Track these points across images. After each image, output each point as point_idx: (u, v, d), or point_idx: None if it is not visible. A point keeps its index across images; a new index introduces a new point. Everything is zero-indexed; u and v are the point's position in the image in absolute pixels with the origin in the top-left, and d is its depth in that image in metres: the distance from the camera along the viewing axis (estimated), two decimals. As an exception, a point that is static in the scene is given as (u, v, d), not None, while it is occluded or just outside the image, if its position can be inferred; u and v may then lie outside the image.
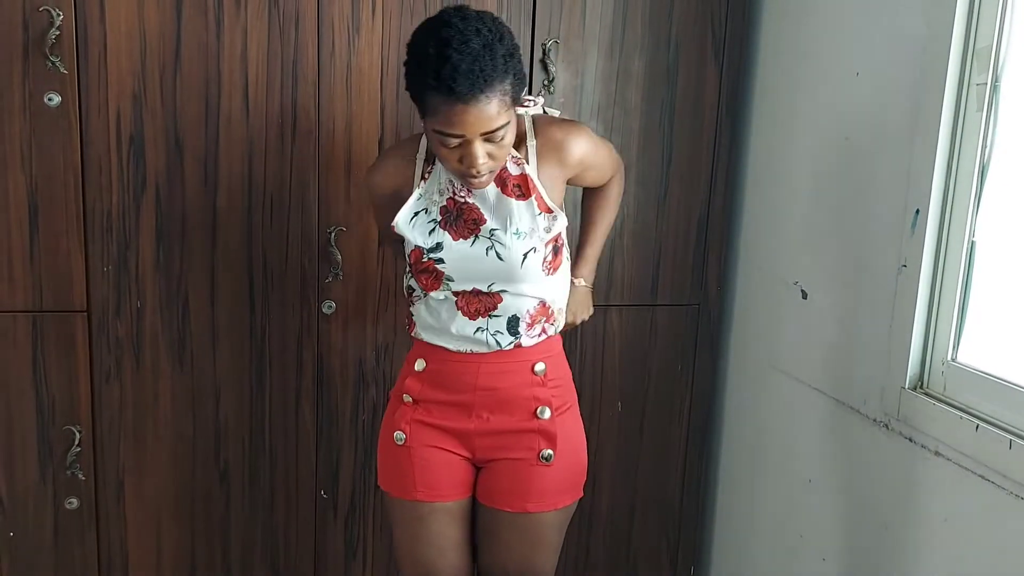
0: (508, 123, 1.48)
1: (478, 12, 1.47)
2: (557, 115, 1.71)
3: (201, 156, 1.96)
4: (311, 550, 2.19)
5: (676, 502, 2.36)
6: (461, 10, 1.47)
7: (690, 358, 2.29)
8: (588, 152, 1.67)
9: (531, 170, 1.61)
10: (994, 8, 1.50)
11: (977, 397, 1.52)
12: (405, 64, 1.48)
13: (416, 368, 1.70)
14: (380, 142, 2.02)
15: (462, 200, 1.61)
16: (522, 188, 1.61)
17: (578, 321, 1.86)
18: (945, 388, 1.60)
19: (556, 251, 1.67)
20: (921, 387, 1.64)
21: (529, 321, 1.65)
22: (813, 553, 1.96)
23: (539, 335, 1.68)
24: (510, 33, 1.48)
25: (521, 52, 1.49)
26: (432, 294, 1.65)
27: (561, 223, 1.63)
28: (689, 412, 2.32)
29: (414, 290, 1.70)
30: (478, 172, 1.50)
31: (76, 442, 1.99)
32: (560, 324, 1.73)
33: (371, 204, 1.81)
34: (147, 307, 1.99)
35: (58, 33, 1.82)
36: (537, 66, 2.05)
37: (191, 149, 1.95)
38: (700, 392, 2.32)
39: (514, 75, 1.46)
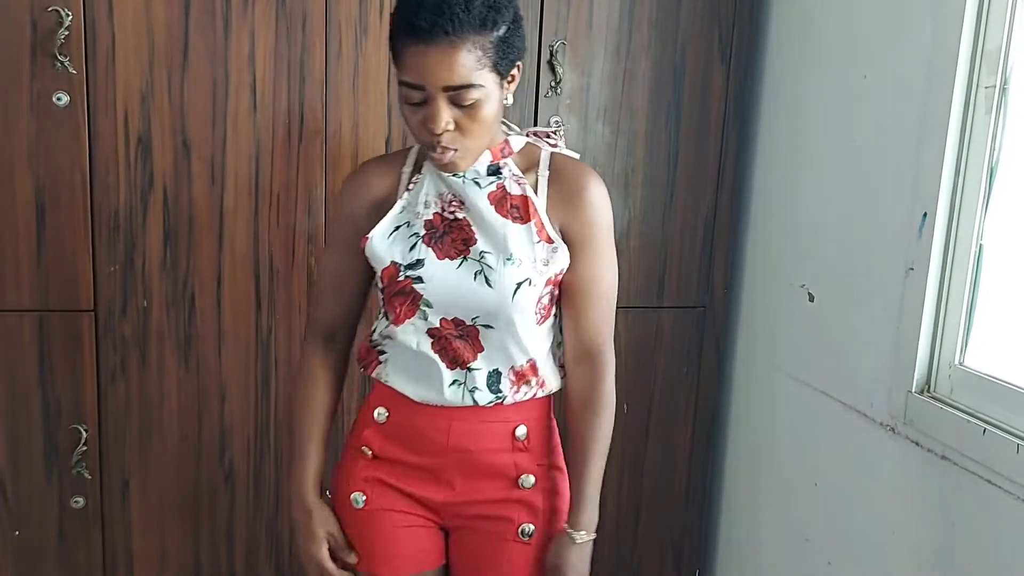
0: (481, 87, 1.28)
1: None
2: (576, 157, 1.51)
3: (208, 156, 1.96)
4: (316, 551, 2.19)
5: (681, 505, 2.35)
6: None
7: (696, 361, 2.29)
8: (601, 214, 1.43)
9: (537, 199, 1.42)
10: (1003, 10, 1.49)
11: (984, 401, 1.52)
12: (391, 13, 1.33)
13: (376, 418, 1.48)
14: (387, 142, 2.02)
15: (451, 217, 1.41)
16: (521, 210, 1.41)
17: None
18: (952, 392, 1.59)
19: (551, 299, 1.46)
20: (928, 391, 1.63)
21: (513, 379, 1.44)
22: (818, 557, 1.96)
23: (524, 395, 1.46)
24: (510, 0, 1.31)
25: (522, 24, 1.34)
26: (402, 328, 1.43)
27: (562, 258, 1.41)
28: (695, 415, 2.32)
29: (381, 324, 1.49)
30: (440, 139, 1.30)
31: (82, 441, 2.00)
32: (551, 388, 1.49)
33: (335, 220, 1.56)
34: (153, 307, 2.00)
35: (67, 33, 1.82)
36: (544, 67, 2.05)
37: (198, 149, 1.95)
38: (706, 395, 2.32)
39: (499, 36, 1.28)
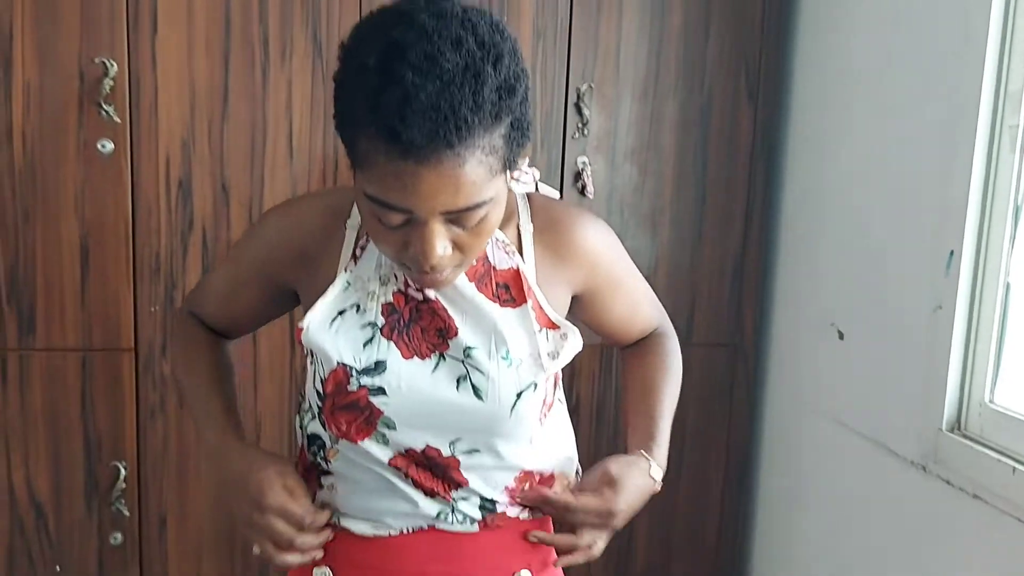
0: (491, 199, 0.91)
1: (467, 9, 0.88)
2: (556, 196, 1.18)
3: (246, 200, 2.01)
4: (348, 588, 2.20)
5: (713, 543, 2.34)
6: (437, 2, 0.87)
7: (727, 398, 2.29)
8: (607, 253, 1.12)
9: (526, 265, 1.05)
10: (1024, 51, 1.51)
11: (1014, 439, 1.51)
12: (335, 78, 0.91)
13: None
14: (418, 185, 2.06)
15: (419, 297, 1.02)
16: (512, 290, 1.03)
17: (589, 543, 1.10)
18: (982, 430, 1.58)
19: (554, 387, 1.13)
20: (958, 429, 1.63)
21: (508, 499, 1.09)
22: (852, 597, 1.94)
23: (532, 509, 1.11)
24: (514, 52, 0.89)
25: (529, 80, 0.92)
26: (344, 448, 1.05)
27: (573, 345, 1.06)
28: (727, 453, 2.31)
29: (319, 440, 1.07)
30: (433, 268, 0.92)
31: (121, 478, 2.04)
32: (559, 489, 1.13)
33: (245, 242, 1.17)
34: (192, 346, 2.04)
35: (112, 83, 1.90)
36: (571, 110, 2.09)
37: (237, 193, 2.01)
38: (737, 432, 2.31)
39: (512, 123, 0.89)
